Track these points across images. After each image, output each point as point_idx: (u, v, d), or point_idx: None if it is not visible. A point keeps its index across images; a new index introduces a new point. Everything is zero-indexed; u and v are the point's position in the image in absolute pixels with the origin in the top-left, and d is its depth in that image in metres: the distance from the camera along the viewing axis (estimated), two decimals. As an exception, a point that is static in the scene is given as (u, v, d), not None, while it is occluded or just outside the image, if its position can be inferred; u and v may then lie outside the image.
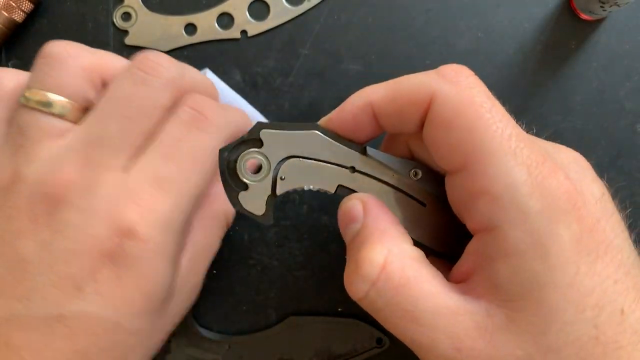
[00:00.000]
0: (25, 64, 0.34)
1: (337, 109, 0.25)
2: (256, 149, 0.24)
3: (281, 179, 0.24)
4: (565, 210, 0.19)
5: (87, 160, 0.24)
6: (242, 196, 0.24)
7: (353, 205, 0.24)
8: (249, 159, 0.24)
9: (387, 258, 0.21)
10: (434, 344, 0.20)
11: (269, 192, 0.24)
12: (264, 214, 0.24)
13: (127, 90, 0.25)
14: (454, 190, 0.22)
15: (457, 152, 0.21)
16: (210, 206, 0.29)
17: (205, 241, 0.29)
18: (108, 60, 0.27)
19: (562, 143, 0.34)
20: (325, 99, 0.34)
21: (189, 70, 0.28)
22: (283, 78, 0.34)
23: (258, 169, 0.24)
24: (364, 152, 0.24)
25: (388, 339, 0.33)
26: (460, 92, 0.21)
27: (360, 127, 0.24)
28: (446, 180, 0.23)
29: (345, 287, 0.22)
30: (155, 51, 0.26)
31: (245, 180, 0.24)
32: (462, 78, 0.22)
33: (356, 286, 0.22)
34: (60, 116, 0.25)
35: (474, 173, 0.21)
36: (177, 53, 0.34)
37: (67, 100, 0.25)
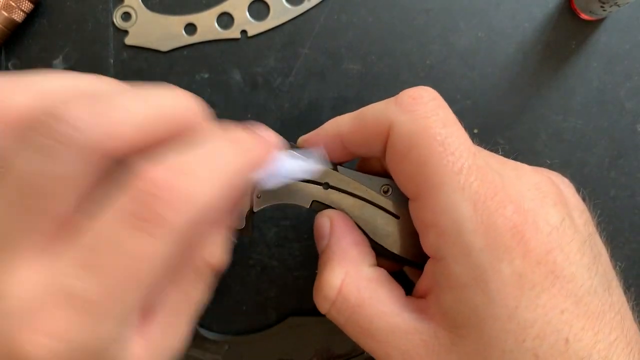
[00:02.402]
0: (25, 64, 0.34)
1: (313, 133, 0.26)
2: None
3: (257, 197, 0.25)
4: (509, 247, 0.20)
5: None
6: None
7: (323, 222, 0.25)
8: None
9: (344, 280, 0.23)
10: (388, 358, 0.22)
11: (247, 208, 0.25)
12: (243, 228, 0.25)
13: (22, 168, 0.16)
14: (413, 214, 0.23)
15: (411, 182, 0.22)
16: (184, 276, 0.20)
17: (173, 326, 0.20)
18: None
19: (562, 143, 0.35)
20: (325, 99, 0.34)
21: (157, 100, 0.18)
22: (283, 78, 0.34)
23: None
24: (335, 169, 0.25)
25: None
26: (414, 123, 0.22)
27: (333, 153, 0.25)
28: (409, 203, 0.24)
29: (314, 300, 0.24)
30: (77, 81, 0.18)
31: None
32: (420, 106, 0.22)
33: (319, 304, 0.24)
34: None
35: (424, 205, 0.22)
36: (176, 53, 0.34)
37: None
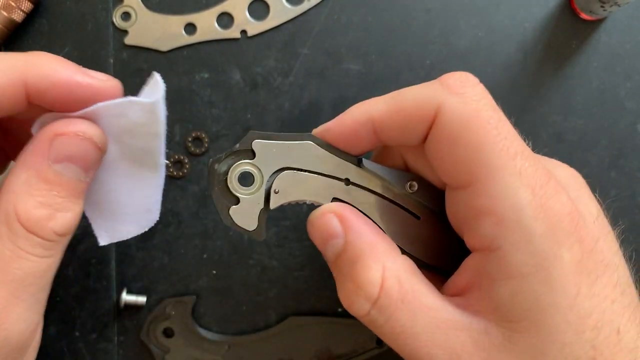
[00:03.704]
0: (24, 64, 0.34)
1: (336, 120, 0.24)
2: (248, 160, 0.23)
3: (275, 192, 0.23)
4: (568, 232, 0.19)
5: None
6: (233, 210, 0.23)
7: (328, 220, 0.23)
8: (240, 171, 0.23)
9: (384, 275, 0.21)
10: (431, 359, 0.20)
11: (261, 205, 0.23)
12: (255, 230, 0.23)
13: None
14: (454, 206, 0.22)
15: (462, 168, 0.21)
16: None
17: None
18: None
19: (562, 143, 0.35)
20: (325, 99, 0.34)
21: None
22: (283, 78, 0.34)
23: (250, 181, 0.23)
24: (359, 163, 0.24)
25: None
26: (466, 106, 0.21)
27: (359, 140, 0.23)
28: (447, 194, 0.23)
29: (345, 307, 0.22)
30: None
31: (236, 193, 0.23)
32: (468, 89, 0.21)
33: (358, 306, 0.21)
34: None
35: (478, 191, 0.20)
36: (176, 53, 0.34)
37: None
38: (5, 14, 0.32)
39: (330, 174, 0.24)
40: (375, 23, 0.34)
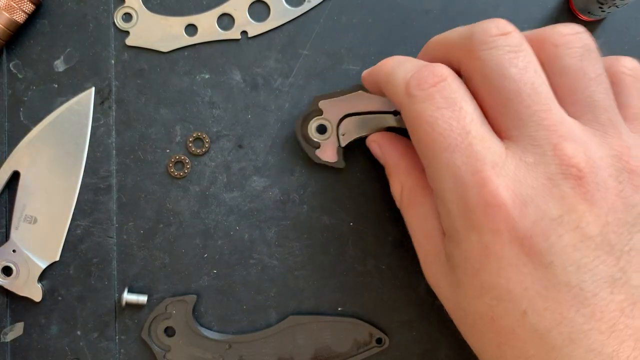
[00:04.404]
0: (26, 65, 0.34)
1: (370, 70, 0.30)
2: (319, 116, 0.32)
3: (342, 134, 0.32)
4: (478, 222, 0.24)
5: None
6: (318, 152, 0.33)
7: (373, 147, 0.31)
8: (316, 125, 0.32)
9: (402, 188, 0.29)
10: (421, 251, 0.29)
11: (336, 144, 0.32)
12: (337, 161, 0.32)
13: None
14: None
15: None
16: None
17: None
18: None
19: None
20: (325, 100, 0.34)
21: None
22: (283, 79, 0.34)
23: (324, 130, 0.32)
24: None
25: (388, 338, 0.33)
26: (412, 106, 0.25)
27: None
28: None
29: None
30: None
31: (317, 140, 0.32)
32: (420, 92, 0.25)
33: (395, 201, 0.30)
34: None
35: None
36: (177, 53, 0.34)
37: None
38: (6, 14, 0.32)
39: (381, 110, 0.31)
40: (375, 24, 0.34)
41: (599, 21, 0.34)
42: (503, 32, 0.24)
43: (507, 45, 0.23)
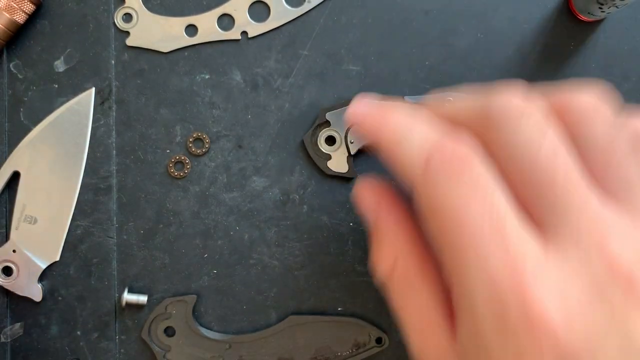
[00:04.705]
0: (26, 65, 0.34)
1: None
2: (328, 128, 0.33)
3: (351, 142, 0.33)
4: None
5: None
6: (329, 163, 0.33)
7: (365, 198, 0.24)
8: (324, 136, 0.33)
9: (395, 263, 0.23)
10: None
11: (347, 154, 0.33)
12: (348, 171, 0.33)
13: None
14: None
15: None
16: None
17: None
18: None
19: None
20: (325, 100, 0.34)
21: None
22: (283, 79, 0.34)
23: (333, 141, 0.34)
24: None
25: (388, 338, 0.33)
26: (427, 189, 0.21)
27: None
28: None
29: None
30: None
31: (327, 152, 0.33)
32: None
33: (377, 272, 0.24)
34: None
35: None
36: (177, 54, 0.35)
37: None
38: (7, 15, 0.32)
39: None
40: (374, 24, 0.34)
41: (599, 21, 0.34)
42: (524, 110, 0.20)
43: (533, 123, 0.20)
